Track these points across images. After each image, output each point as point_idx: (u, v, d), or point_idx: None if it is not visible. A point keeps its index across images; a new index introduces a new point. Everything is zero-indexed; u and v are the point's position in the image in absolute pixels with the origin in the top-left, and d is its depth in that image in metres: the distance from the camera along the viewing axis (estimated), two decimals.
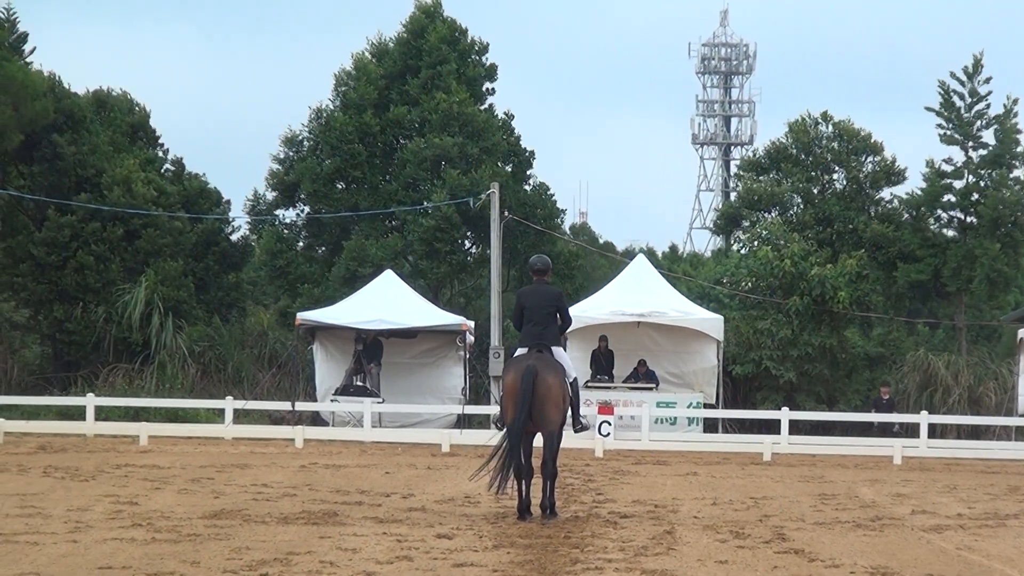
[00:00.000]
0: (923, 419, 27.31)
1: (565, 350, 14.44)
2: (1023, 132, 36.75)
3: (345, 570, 10.12)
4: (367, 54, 40.22)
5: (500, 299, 32.16)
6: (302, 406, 29.42)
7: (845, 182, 39.39)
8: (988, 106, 36.74)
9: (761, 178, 40.22)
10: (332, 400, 29.51)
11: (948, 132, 36.76)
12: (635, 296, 30.39)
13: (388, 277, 31.44)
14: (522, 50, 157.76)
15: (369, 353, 29.76)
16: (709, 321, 30.33)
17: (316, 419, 29.73)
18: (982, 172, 36.77)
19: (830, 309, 32.96)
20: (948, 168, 37.12)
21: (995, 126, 36.71)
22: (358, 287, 32.90)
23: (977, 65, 36.63)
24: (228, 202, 39.67)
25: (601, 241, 57.58)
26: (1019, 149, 36.77)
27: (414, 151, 37.85)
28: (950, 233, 37.63)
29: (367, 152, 38.58)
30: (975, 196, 36.70)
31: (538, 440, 14.04)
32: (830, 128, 39.31)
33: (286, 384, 33.17)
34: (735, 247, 40.81)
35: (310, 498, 15.21)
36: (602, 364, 30.18)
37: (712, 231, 49.94)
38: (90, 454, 21.97)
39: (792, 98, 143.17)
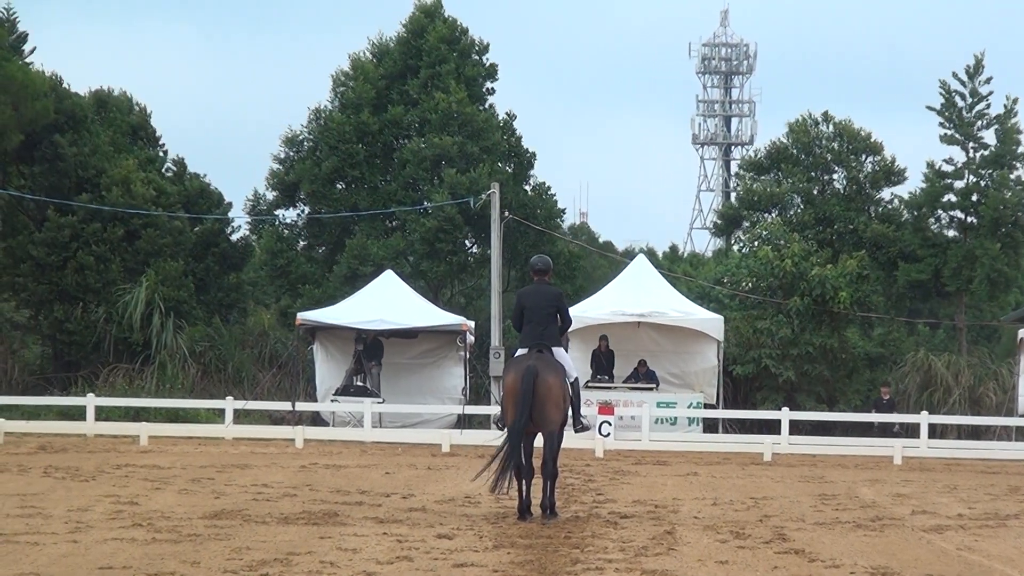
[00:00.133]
0: (923, 419, 27.32)
1: (567, 350, 14.44)
2: (1023, 132, 36.80)
3: (345, 570, 10.12)
4: (367, 54, 40.24)
5: (500, 299, 32.16)
6: (302, 406, 29.42)
7: (845, 182, 39.41)
8: (988, 106, 36.82)
9: (762, 178, 40.25)
10: (332, 400, 29.52)
11: (949, 132, 36.78)
12: (635, 296, 30.39)
13: (388, 277, 31.44)
14: (522, 50, 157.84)
15: (369, 353, 29.77)
16: (709, 321, 30.33)
17: (316, 419, 29.73)
18: (983, 172, 36.79)
19: (830, 309, 32.96)
20: (949, 168, 37.16)
21: (996, 126, 36.74)
22: (359, 286, 32.91)
23: (978, 65, 36.66)
24: (230, 204, 39.74)
25: (600, 241, 57.56)
26: (1020, 149, 36.79)
27: (413, 151, 37.86)
28: (951, 233, 37.65)
29: (366, 152, 38.60)
30: (976, 196, 36.72)
31: (538, 440, 14.03)
32: (830, 128, 39.34)
33: (286, 384, 33.18)
34: (736, 247, 40.82)
35: (310, 498, 15.21)
36: (602, 364, 30.17)
37: (712, 232, 49.93)
38: (90, 454, 21.97)
39: (792, 98, 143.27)
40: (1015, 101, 36.73)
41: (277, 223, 39.75)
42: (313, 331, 31.16)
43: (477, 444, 25.35)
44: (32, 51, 37.14)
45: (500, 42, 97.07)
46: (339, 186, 39.02)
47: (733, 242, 42.64)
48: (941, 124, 36.92)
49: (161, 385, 32.48)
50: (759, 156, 41.24)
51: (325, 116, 39.00)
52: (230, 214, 39.70)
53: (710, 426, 29.64)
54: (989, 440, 30.03)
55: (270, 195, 39.72)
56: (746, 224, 39.97)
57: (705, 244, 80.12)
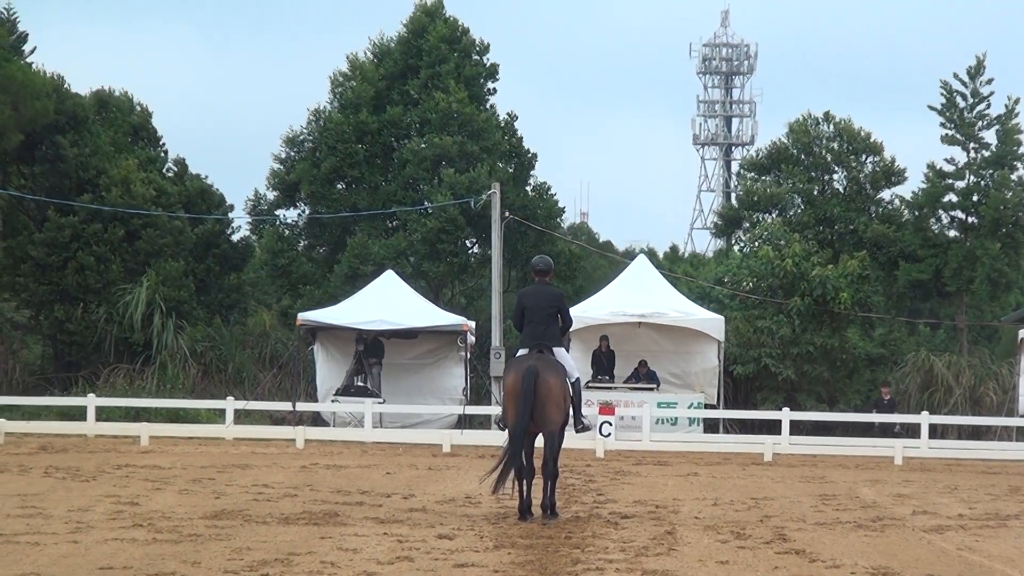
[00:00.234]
0: (924, 419, 27.30)
1: (568, 351, 14.45)
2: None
3: (346, 570, 10.12)
4: (368, 54, 40.25)
5: (501, 299, 32.16)
6: (303, 406, 29.42)
7: (845, 182, 39.42)
8: (989, 106, 36.85)
9: (763, 178, 40.26)
10: (333, 400, 29.52)
11: (950, 132, 36.79)
12: (636, 296, 30.38)
13: (389, 277, 31.44)
14: (522, 50, 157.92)
15: (370, 353, 29.78)
16: (710, 321, 30.32)
17: (317, 419, 29.73)
18: (983, 172, 36.80)
19: (831, 310, 32.95)
20: (949, 168, 37.17)
21: (996, 126, 36.74)
22: (360, 285, 32.91)
23: (979, 66, 36.68)
24: (231, 206, 39.76)
25: (600, 241, 57.54)
26: (1020, 150, 36.80)
27: (413, 151, 37.87)
28: (951, 233, 37.66)
29: (366, 152, 38.61)
30: (976, 196, 36.72)
31: (539, 440, 14.03)
32: (830, 128, 39.36)
33: (287, 384, 33.17)
34: (736, 248, 40.84)
35: (311, 498, 15.21)
36: (603, 364, 30.17)
37: (712, 232, 49.97)
38: (91, 454, 21.97)
39: (793, 98, 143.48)
40: (1016, 101, 36.77)
41: (278, 223, 39.77)
42: (314, 331, 31.17)
43: (478, 444, 25.39)
44: (32, 51, 37.22)
45: (500, 42, 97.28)
46: (339, 186, 39.02)
47: (734, 242, 42.65)
48: (942, 124, 36.96)
49: (162, 385, 32.48)
50: (760, 156, 41.26)
51: (324, 117, 39.00)
52: (231, 215, 39.75)
53: (711, 426, 29.63)
54: (990, 440, 30.02)
55: (271, 195, 39.76)
56: (746, 225, 39.99)
57: (706, 244, 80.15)
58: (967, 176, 37.00)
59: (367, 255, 36.48)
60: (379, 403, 28.50)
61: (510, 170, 38.99)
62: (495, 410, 26.91)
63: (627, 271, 32.48)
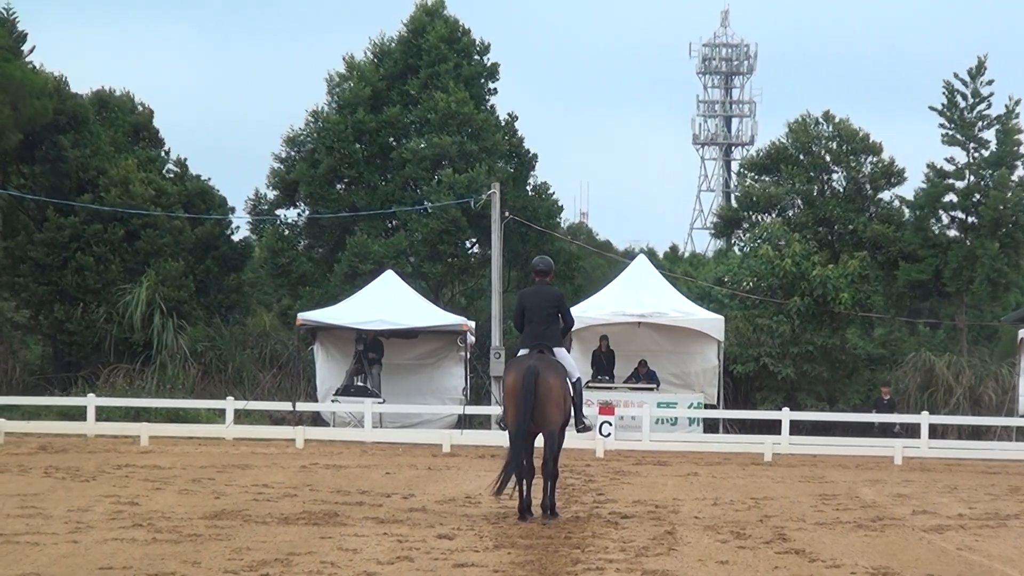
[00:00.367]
0: (924, 419, 27.31)
1: (569, 351, 14.47)
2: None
3: (346, 570, 10.12)
4: (368, 53, 40.23)
5: (501, 299, 32.17)
6: (303, 406, 29.42)
7: (845, 183, 39.42)
8: (990, 107, 36.85)
9: (763, 178, 40.25)
10: (333, 400, 29.52)
11: (950, 133, 36.79)
12: (636, 296, 30.38)
13: (389, 277, 31.44)
14: (523, 50, 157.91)
15: (369, 351, 29.78)
16: (710, 321, 30.32)
17: (317, 419, 29.74)
18: (983, 172, 36.80)
19: (831, 310, 32.95)
20: (950, 168, 37.17)
21: (996, 126, 36.74)
22: (359, 284, 32.90)
23: (980, 67, 36.67)
24: (232, 209, 39.76)
25: (599, 240, 57.51)
26: (1020, 149, 36.80)
27: (413, 150, 37.87)
28: (952, 233, 37.66)
29: (364, 152, 38.60)
30: (976, 196, 36.72)
31: (539, 440, 14.03)
32: (830, 128, 39.36)
33: (287, 384, 33.17)
34: (736, 248, 40.83)
35: (311, 498, 15.21)
36: (603, 364, 30.18)
37: (712, 233, 49.98)
38: (91, 454, 21.97)
39: (792, 98, 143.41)
40: (1016, 102, 36.77)
41: (278, 223, 39.76)
42: (313, 331, 31.17)
43: (478, 444, 25.41)
44: (31, 50, 37.19)
45: (500, 42, 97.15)
46: (338, 187, 39.01)
47: (734, 242, 42.65)
48: (942, 124, 36.95)
49: (162, 385, 32.48)
50: (759, 156, 41.26)
51: (322, 117, 38.99)
52: (230, 216, 39.72)
53: (710, 426, 29.64)
54: (990, 440, 30.02)
55: (271, 194, 39.75)
56: (745, 225, 40.00)
57: (705, 244, 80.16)
58: (967, 176, 37.01)
59: (366, 254, 36.48)
60: (379, 403, 28.50)
61: (510, 169, 38.98)
62: (495, 410, 26.92)
63: (627, 271, 32.48)
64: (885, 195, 39.44)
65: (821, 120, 39.48)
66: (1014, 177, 36.74)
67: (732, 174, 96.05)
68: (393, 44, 40.00)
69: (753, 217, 39.78)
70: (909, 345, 37.77)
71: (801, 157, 39.37)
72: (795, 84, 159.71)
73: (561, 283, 35.89)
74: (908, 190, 39.00)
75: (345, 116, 38.25)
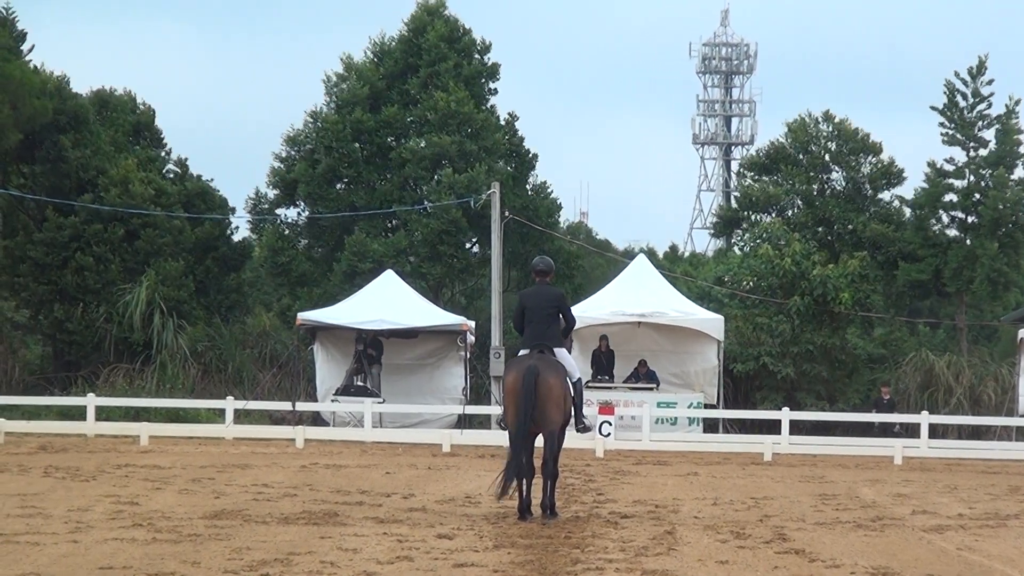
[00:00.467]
0: (924, 419, 27.31)
1: (570, 351, 14.47)
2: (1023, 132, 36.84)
3: (346, 570, 10.12)
4: (368, 53, 40.21)
5: (501, 299, 32.17)
6: (303, 406, 29.42)
7: (844, 183, 39.41)
8: (990, 106, 36.85)
9: (763, 178, 40.25)
10: (333, 400, 29.52)
11: (950, 132, 36.79)
12: (636, 296, 30.39)
13: (388, 277, 31.44)
14: (523, 50, 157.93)
15: (371, 355, 29.78)
16: (710, 321, 30.32)
17: (317, 419, 29.73)
18: (983, 172, 36.80)
19: (831, 310, 32.95)
20: (949, 168, 37.16)
21: (996, 126, 36.73)
22: (358, 283, 32.88)
23: (981, 66, 36.68)
24: (232, 210, 39.75)
25: (598, 239, 57.50)
26: (1020, 149, 36.79)
27: (412, 150, 37.86)
28: (952, 233, 37.65)
29: (363, 151, 38.59)
30: (976, 196, 36.72)
31: (539, 440, 14.03)
32: (829, 128, 39.35)
33: (287, 384, 33.17)
34: (736, 247, 40.82)
35: (311, 498, 15.21)
36: (603, 364, 30.18)
37: (711, 233, 49.98)
38: (91, 454, 21.97)
39: (792, 98, 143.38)
40: (1016, 101, 36.78)
41: (278, 222, 39.75)
42: (313, 331, 31.17)
43: (478, 444, 25.41)
44: (31, 49, 37.18)
45: (500, 42, 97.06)
46: (337, 186, 38.99)
47: (734, 241, 42.64)
48: (942, 124, 36.94)
49: (161, 385, 32.48)
50: (759, 156, 41.24)
51: (320, 118, 38.97)
52: (230, 216, 39.70)
53: (710, 426, 29.64)
54: (989, 440, 30.01)
55: (271, 193, 39.73)
56: (745, 225, 39.99)
57: (705, 244, 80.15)
58: (967, 176, 37.00)
59: (365, 253, 36.47)
60: (379, 403, 28.50)
61: (509, 169, 38.97)
62: (495, 410, 26.92)
63: (627, 271, 32.49)
64: (885, 195, 39.46)
65: (821, 120, 39.47)
66: (1014, 176, 36.75)
67: (732, 174, 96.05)
68: (393, 43, 39.99)
69: (753, 217, 39.77)
70: (909, 345, 37.77)
71: (800, 157, 39.37)
72: (795, 84, 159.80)
73: (560, 282, 35.88)
74: (908, 190, 39.08)
75: (343, 116, 38.24)
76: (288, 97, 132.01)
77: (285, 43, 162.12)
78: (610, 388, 29.50)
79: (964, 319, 38.03)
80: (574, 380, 14.10)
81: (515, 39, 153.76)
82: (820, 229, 38.59)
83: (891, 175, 38.99)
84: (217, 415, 29.76)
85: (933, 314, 41.61)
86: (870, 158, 39.14)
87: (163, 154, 40.38)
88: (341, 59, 39.79)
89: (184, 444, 24.95)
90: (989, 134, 36.95)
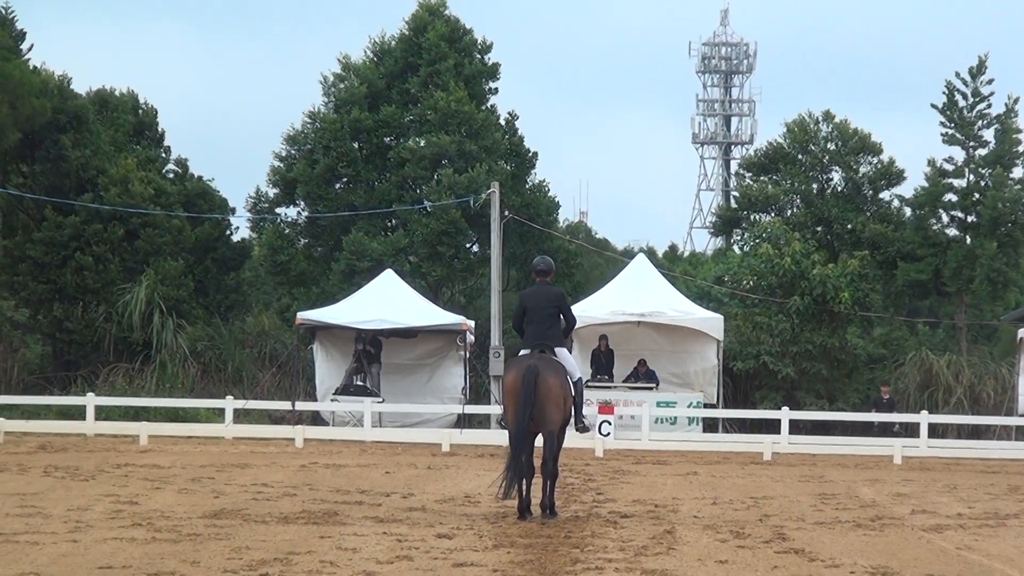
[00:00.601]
0: (923, 419, 27.32)
1: (571, 351, 14.47)
2: (1023, 131, 36.83)
3: (345, 570, 10.12)
4: (368, 52, 40.21)
5: (500, 299, 32.17)
6: (302, 406, 29.42)
7: (844, 183, 39.41)
8: (990, 106, 36.84)
9: (762, 178, 40.26)
10: (332, 400, 29.52)
11: (950, 132, 36.80)
12: (635, 296, 30.39)
13: (388, 276, 31.44)
14: (523, 50, 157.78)
15: (369, 352, 29.78)
16: (709, 321, 30.33)
17: (316, 419, 29.73)
18: (983, 172, 36.80)
19: (831, 309, 32.95)
20: (949, 167, 37.17)
21: (996, 125, 36.74)
22: (357, 282, 32.86)
23: (981, 66, 36.68)
24: (232, 210, 39.75)
25: (597, 238, 57.47)
26: (1020, 148, 36.80)
27: (411, 149, 37.85)
28: (951, 232, 37.66)
29: (362, 151, 38.57)
30: (976, 196, 36.72)
31: (539, 439, 14.02)
32: (828, 127, 39.36)
33: (286, 384, 33.17)
34: (736, 247, 40.82)
35: (310, 498, 15.22)
36: (602, 364, 30.18)
37: (711, 232, 49.97)
38: (90, 454, 21.97)
39: (792, 98, 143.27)
40: (1015, 101, 36.80)
41: (278, 221, 39.74)
42: (313, 331, 31.16)
43: (477, 444, 25.41)
44: (30, 49, 37.18)
45: (500, 42, 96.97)
46: (336, 186, 38.98)
47: (733, 241, 42.64)
48: (942, 123, 36.95)
49: (161, 385, 32.48)
50: (758, 156, 41.24)
51: (319, 117, 38.96)
52: (230, 216, 39.69)
53: (710, 426, 29.64)
54: (989, 440, 30.02)
55: (271, 192, 39.72)
56: (744, 225, 39.99)
57: (705, 243, 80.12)
58: (967, 175, 37.00)
59: (364, 252, 36.46)
60: (378, 402, 28.50)
61: (509, 168, 38.96)
62: (495, 409, 26.92)
63: (626, 270, 32.49)
64: (884, 195, 39.46)
65: (820, 120, 39.47)
66: (1013, 176, 36.75)
67: (731, 173, 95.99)
68: (394, 43, 39.99)
69: (752, 217, 39.77)
70: (909, 344, 37.78)
71: (800, 157, 39.37)
72: (795, 83, 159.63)
73: (560, 281, 35.87)
74: (907, 190, 39.07)
75: (342, 115, 38.22)
76: (288, 97, 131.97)
77: (285, 43, 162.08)
78: (610, 388, 29.50)
79: (964, 319, 38.03)
80: (575, 380, 14.11)
81: (515, 39, 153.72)
82: (820, 229, 38.59)
83: (891, 175, 39.00)
84: (217, 415, 29.76)
85: (933, 314, 41.61)
86: (870, 158, 39.15)
87: (163, 154, 40.37)
88: (338, 59, 39.83)
89: (184, 444, 24.95)
90: (989, 133, 36.99)
